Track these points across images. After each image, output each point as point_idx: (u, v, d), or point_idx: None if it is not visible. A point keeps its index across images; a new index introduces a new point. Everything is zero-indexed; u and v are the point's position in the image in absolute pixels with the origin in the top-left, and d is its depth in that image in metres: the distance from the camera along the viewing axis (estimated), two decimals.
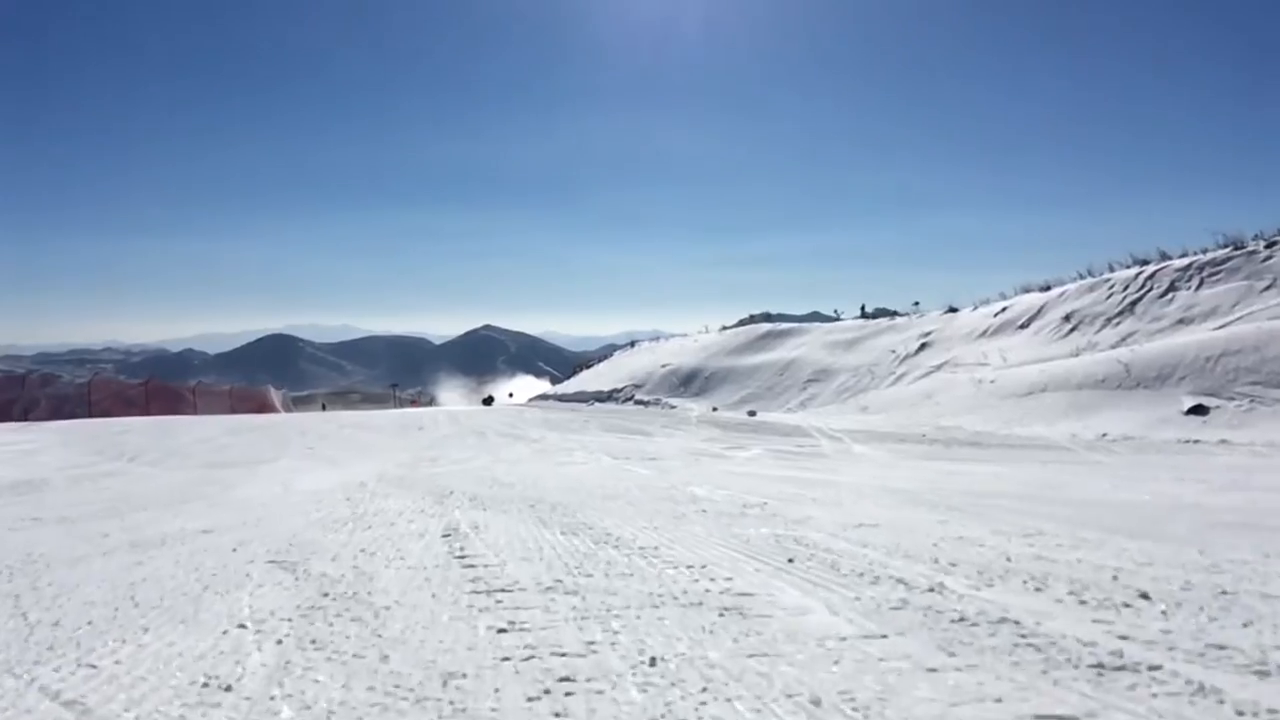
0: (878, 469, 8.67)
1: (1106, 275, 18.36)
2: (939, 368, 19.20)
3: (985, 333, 19.83)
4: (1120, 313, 16.55)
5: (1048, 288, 20.22)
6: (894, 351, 21.86)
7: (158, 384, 32.39)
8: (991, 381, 16.34)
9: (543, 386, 46.06)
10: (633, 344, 38.02)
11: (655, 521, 4.52)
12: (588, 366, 38.04)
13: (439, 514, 5.03)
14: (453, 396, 65.27)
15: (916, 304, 26.29)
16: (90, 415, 24.59)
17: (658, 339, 36.24)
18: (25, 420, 22.18)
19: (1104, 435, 12.17)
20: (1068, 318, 17.69)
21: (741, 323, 33.55)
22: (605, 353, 41.05)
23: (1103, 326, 16.53)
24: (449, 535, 4.21)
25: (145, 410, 26.87)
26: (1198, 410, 11.91)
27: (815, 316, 33.50)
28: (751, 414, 20.21)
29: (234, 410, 29.95)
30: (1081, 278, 19.30)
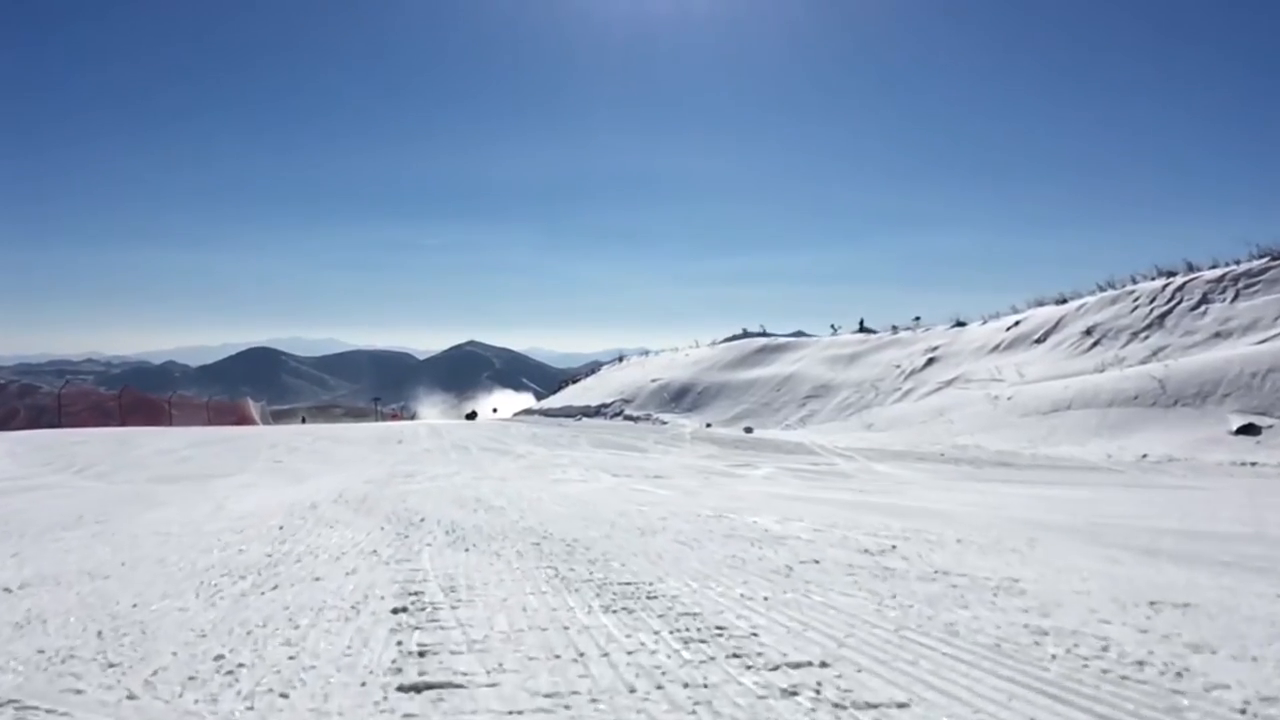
0: (937, 493, 7.46)
1: (1130, 287, 17.39)
2: (949, 383, 18.21)
3: (998, 347, 18.85)
4: (1148, 326, 15.58)
5: (1064, 300, 19.24)
6: (898, 367, 20.86)
7: (134, 394, 31.23)
8: (1009, 398, 15.38)
9: (527, 401, 44.86)
10: (621, 358, 36.87)
11: (751, 584, 3.03)
12: (574, 382, 36.87)
13: (398, 558, 3.59)
14: (435, 412, 63.95)
15: (918, 319, 25.38)
16: (62, 426, 23.63)
17: (646, 354, 35.13)
18: (1, 430, 21.14)
19: (1144, 456, 11.18)
20: (1089, 331, 16.72)
21: (733, 338, 32.54)
22: (591, 368, 39.93)
23: (1129, 340, 15.56)
24: (404, 611, 2.65)
25: (122, 421, 25.85)
26: (1248, 430, 10.92)
27: (800, 335, 32.45)
28: (748, 430, 19.21)
29: (211, 423, 28.91)
30: (1101, 290, 18.33)
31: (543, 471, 9.91)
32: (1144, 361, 14.37)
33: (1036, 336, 18.11)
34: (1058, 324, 17.98)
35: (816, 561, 3.48)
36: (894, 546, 3.85)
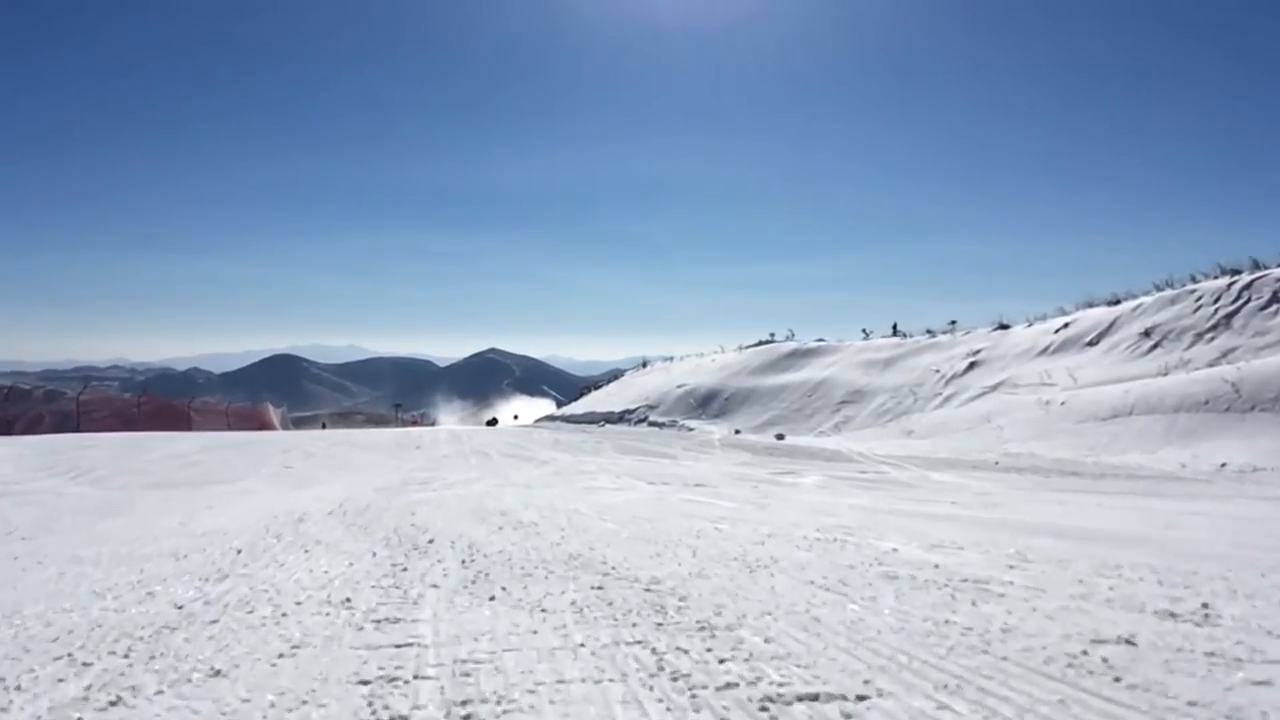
0: (1046, 506, 6.48)
1: (1190, 286, 16.33)
2: (994, 388, 17.24)
3: (1046, 350, 17.84)
4: (1213, 327, 14.55)
5: (1117, 301, 18.18)
6: (938, 371, 19.89)
7: (155, 400, 31.07)
8: (1062, 403, 14.43)
9: (548, 408, 44.29)
10: (645, 364, 36.13)
11: (1077, 714, 1.69)
12: (596, 388, 36.15)
13: (382, 613, 2.28)
14: (455, 418, 63.55)
15: (953, 323, 24.37)
16: (82, 431, 23.52)
17: (671, 359, 34.33)
18: (26, 435, 21.08)
19: (1223, 465, 10.24)
20: (1148, 333, 15.70)
21: (761, 343, 31.65)
22: (614, 375, 39.23)
23: (1193, 342, 14.54)
24: None
25: (144, 427, 25.67)
26: None
27: (822, 342, 31.43)
28: (780, 437, 18.38)
29: (232, 428, 28.66)
30: (1159, 289, 17.27)
31: (570, 479, 9.21)
32: (1212, 364, 13.36)
33: (1089, 339, 17.08)
34: (1111, 325, 16.95)
35: (1129, 642, 2.05)
36: (1205, 605, 2.51)
